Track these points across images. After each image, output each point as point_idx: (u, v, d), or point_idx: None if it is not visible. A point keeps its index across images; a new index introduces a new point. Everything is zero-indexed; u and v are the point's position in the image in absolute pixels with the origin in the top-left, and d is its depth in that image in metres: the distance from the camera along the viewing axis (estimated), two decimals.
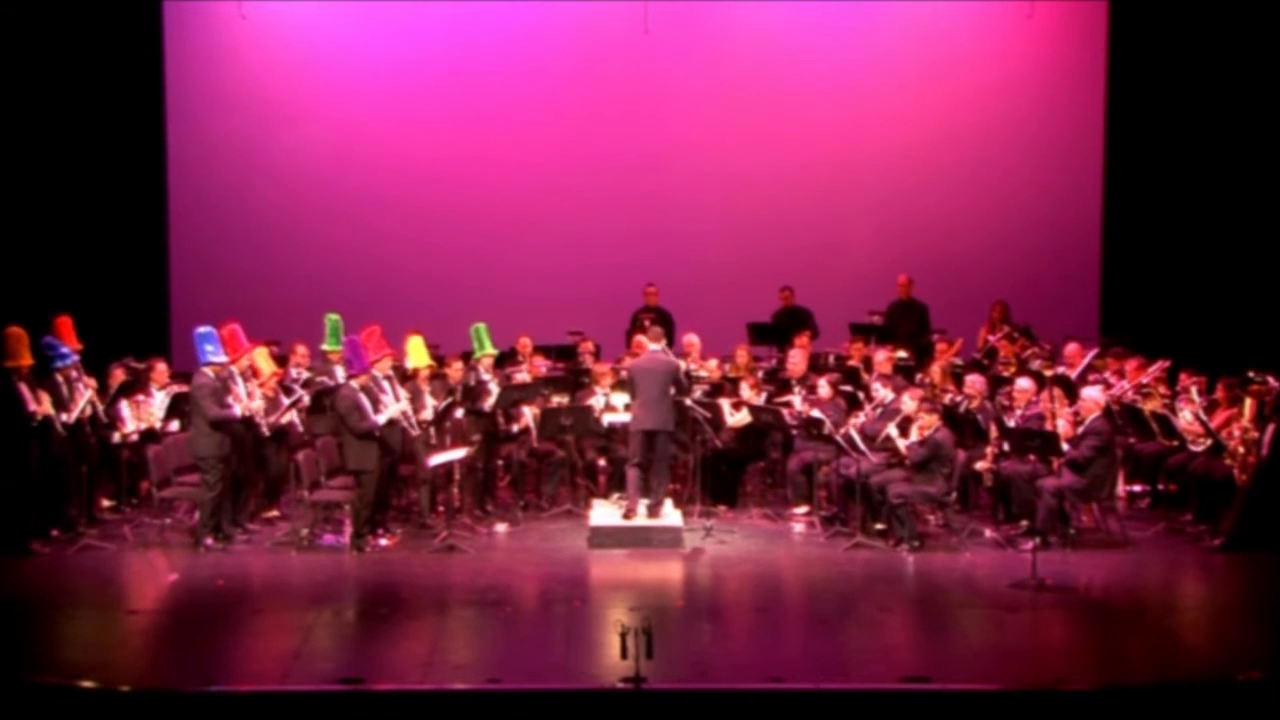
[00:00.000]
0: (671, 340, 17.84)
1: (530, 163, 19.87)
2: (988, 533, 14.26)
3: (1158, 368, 15.70)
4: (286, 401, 14.71)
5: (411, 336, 15.11)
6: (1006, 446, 14.20)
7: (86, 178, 18.73)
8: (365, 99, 19.85)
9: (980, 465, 14.36)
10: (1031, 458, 13.92)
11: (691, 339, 17.00)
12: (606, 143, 19.92)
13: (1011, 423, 14.33)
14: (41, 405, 13.73)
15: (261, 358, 14.81)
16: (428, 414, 14.53)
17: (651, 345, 14.72)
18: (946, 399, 15.18)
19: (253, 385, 14.37)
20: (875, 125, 19.91)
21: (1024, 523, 14.02)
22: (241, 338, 14.42)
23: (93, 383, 14.51)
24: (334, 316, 15.27)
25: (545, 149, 19.90)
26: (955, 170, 19.89)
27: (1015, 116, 19.85)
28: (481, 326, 15.40)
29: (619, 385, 15.47)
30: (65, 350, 14.20)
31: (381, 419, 13.87)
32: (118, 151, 19.01)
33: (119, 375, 15.27)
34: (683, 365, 15.71)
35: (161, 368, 15.55)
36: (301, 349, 16.05)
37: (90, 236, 18.68)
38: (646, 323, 17.41)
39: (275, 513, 14.96)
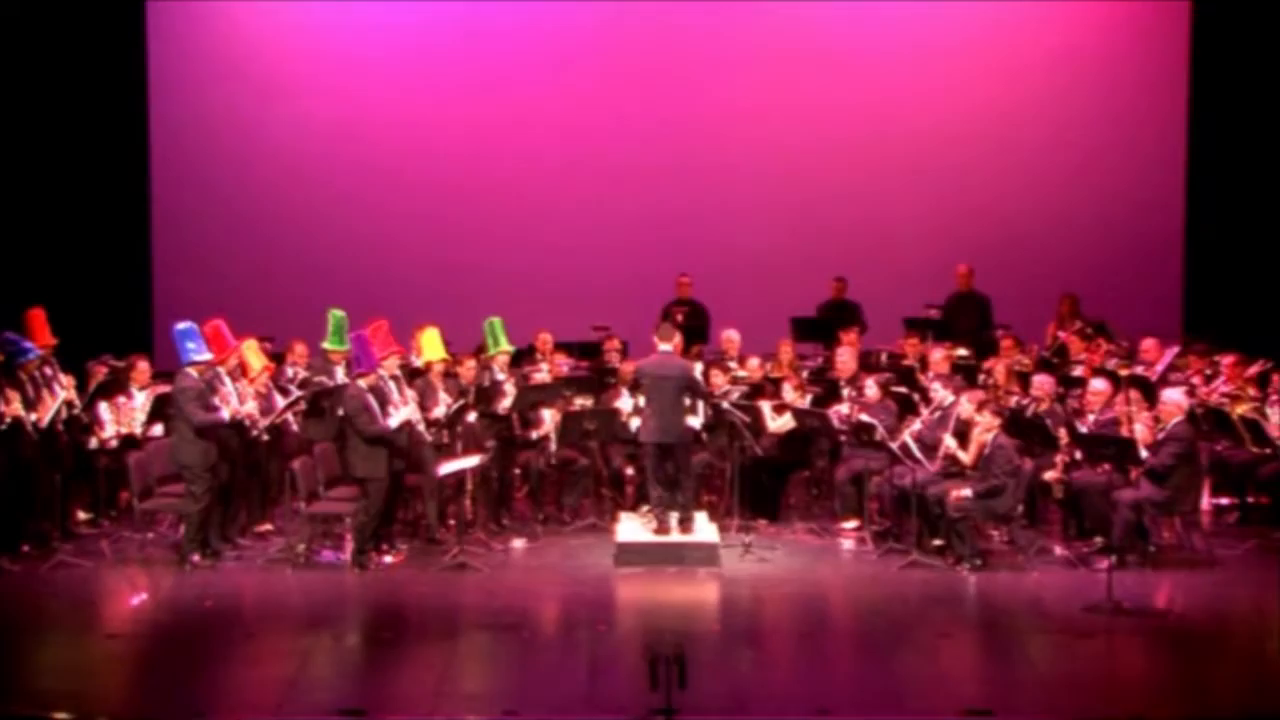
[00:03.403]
0: (706, 336, 17.85)
1: (551, 140, 19.86)
2: (1058, 550, 14.19)
3: (1257, 368, 15.59)
4: (280, 400, 14.73)
5: (426, 328, 15.11)
6: (1078, 454, 14.13)
7: (62, 158, 18.76)
8: (367, 69, 19.87)
9: (1049, 475, 14.28)
10: (1106, 467, 13.84)
11: (730, 335, 16.99)
12: (635, 117, 19.90)
13: (1084, 428, 14.26)
14: (10, 406, 13.76)
15: (251, 351, 14.77)
16: (439, 412, 14.52)
17: (662, 346, 14.56)
18: (1012, 402, 15.13)
19: (243, 385, 14.37)
20: (934, 97, 19.87)
21: (1098, 539, 13.95)
22: (227, 335, 14.36)
23: (70, 381, 14.53)
24: (338, 312, 15.18)
25: (568, 125, 19.89)
26: (1022, 147, 19.85)
27: (1089, 87, 19.77)
28: (496, 321, 15.38)
29: (632, 387, 15.32)
30: (27, 345, 14.21)
31: (393, 422, 13.85)
32: (96, 129, 19.05)
33: (98, 374, 15.29)
34: (698, 367, 15.64)
35: (143, 366, 15.57)
36: (300, 347, 16.07)
37: (66, 223, 18.72)
38: (679, 317, 17.42)
39: (268, 526, 14.98)
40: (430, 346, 15.01)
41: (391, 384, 14.14)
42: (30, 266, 17.55)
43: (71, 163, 18.85)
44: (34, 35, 18.49)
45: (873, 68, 19.85)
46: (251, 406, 14.33)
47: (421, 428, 14.21)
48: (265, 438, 14.51)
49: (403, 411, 13.98)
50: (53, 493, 14.28)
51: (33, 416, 13.95)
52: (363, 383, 13.87)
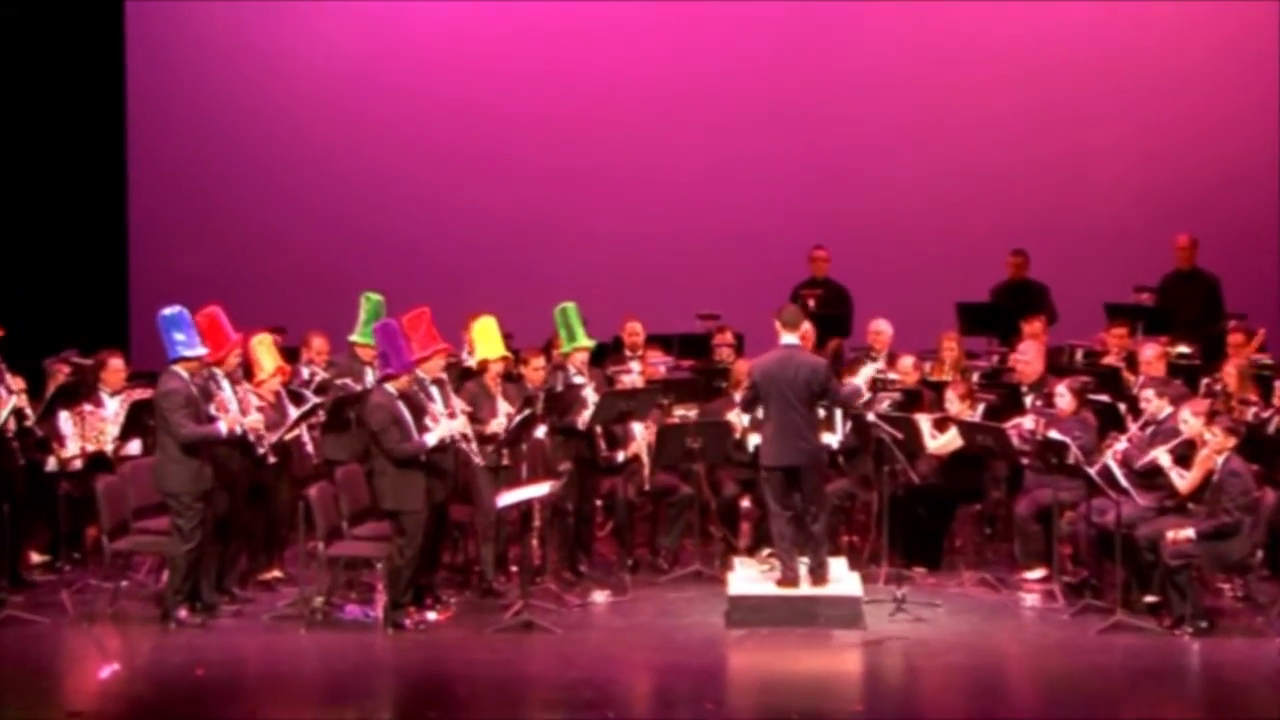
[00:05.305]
0: (847, 328, 17.77)
1: (640, 72, 19.95)
2: None
3: None
4: (294, 413, 14.71)
5: (480, 317, 15.07)
6: None
7: (21, 110, 18.87)
8: None
9: None
10: None
11: (878, 326, 16.89)
12: (753, 41, 19.90)
13: None
14: None
15: (263, 348, 14.85)
16: (497, 425, 14.48)
17: (786, 337, 14.46)
18: (1247, 414, 14.96)
19: (244, 390, 14.35)
20: (1136, 19, 19.80)
21: None
22: (226, 326, 14.37)
23: (20, 383, 14.58)
24: (374, 296, 15.23)
25: (663, 51, 19.97)
26: (1255, 84, 19.77)
27: None
28: (570, 308, 15.37)
29: (745, 405, 14.98)
30: None
31: (431, 439, 13.82)
32: (63, 74, 19.18)
33: (59, 375, 15.37)
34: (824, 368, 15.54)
35: (116, 365, 15.64)
36: (318, 341, 16.09)
37: (21, 189, 18.83)
38: (811, 302, 17.32)
39: (277, 573, 15.05)
40: (484, 341, 14.96)
41: (434, 389, 14.11)
42: None
43: (35, 120, 19.01)
44: None
45: None
46: (255, 419, 14.28)
47: (473, 447, 14.16)
48: (272, 459, 14.48)
49: (445, 425, 13.93)
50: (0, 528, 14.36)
51: None
52: (391, 388, 13.83)
